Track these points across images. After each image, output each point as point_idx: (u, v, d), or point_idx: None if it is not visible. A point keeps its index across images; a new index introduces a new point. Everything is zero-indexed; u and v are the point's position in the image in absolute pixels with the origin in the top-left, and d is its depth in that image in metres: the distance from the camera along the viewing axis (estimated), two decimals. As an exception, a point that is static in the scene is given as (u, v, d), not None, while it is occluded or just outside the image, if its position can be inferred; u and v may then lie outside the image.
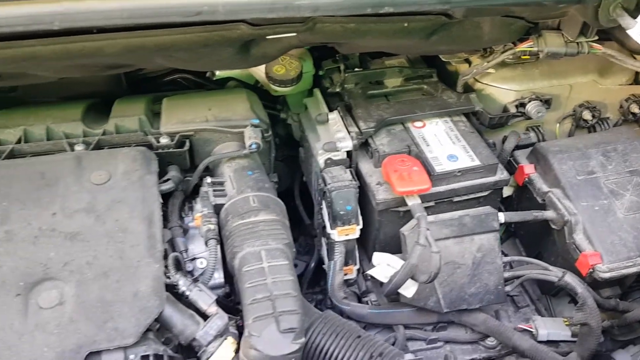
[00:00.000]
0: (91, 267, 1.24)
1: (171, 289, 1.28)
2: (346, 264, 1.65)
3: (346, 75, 1.75)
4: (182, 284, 1.28)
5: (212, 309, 1.27)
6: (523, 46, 1.55)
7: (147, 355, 1.15)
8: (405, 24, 1.24)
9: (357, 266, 1.70)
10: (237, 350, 1.24)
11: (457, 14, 1.24)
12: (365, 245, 1.72)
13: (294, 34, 1.21)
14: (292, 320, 1.21)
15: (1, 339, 1.13)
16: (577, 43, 1.59)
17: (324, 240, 1.70)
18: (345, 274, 1.68)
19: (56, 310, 1.19)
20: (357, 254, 1.69)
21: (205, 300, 1.27)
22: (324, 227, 1.64)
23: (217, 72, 2.05)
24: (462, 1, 1.12)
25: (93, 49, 1.11)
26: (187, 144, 1.56)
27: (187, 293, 1.27)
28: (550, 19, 1.52)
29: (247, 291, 1.25)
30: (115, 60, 1.31)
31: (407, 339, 1.58)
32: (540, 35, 1.54)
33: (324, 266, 1.73)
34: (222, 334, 1.25)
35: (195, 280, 1.33)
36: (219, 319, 1.25)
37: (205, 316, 1.27)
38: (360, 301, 1.68)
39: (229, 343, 1.24)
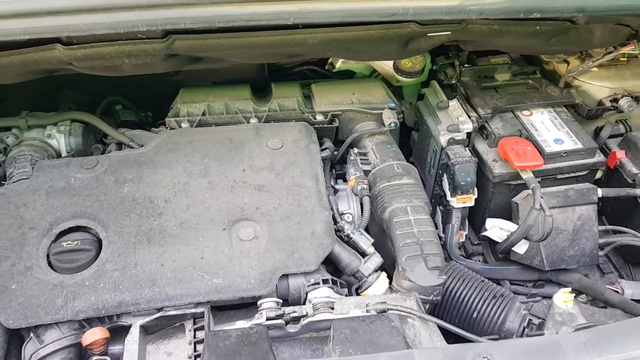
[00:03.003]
0: (277, 211, 1.56)
1: (337, 232, 1.60)
2: (458, 228, 1.95)
3: (462, 69, 2.05)
4: (347, 228, 1.59)
5: (370, 249, 1.57)
6: (626, 49, 1.82)
7: (327, 279, 1.47)
8: (537, 27, 1.51)
9: (466, 232, 1.99)
10: (389, 283, 1.55)
11: (581, 21, 1.51)
12: (472, 217, 2.00)
13: (449, 33, 1.50)
14: (437, 260, 1.49)
15: (216, 261, 1.45)
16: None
17: (439, 208, 2.00)
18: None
19: (253, 242, 1.49)
20: (467, 222, 1.98)
21: (365, 242, 1.57)
22: (442, 196, 1.93)
23: (337, 65, 2.37)
24: (593, 10, 1.39)
25: (300, 40, 1.41)
26: (337, 121, 1.88)
27: (352, 236, 1.58)
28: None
29: (399, 237, 1.54)
30: (296, 52, 1.63)
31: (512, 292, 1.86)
32: (639, 40, 1.80)
33: (437, 230, 2.01)
34: (378, 269, 1.56)
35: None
36: (377, 256, 1.55)
37: (363, 255, 1.58)
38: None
39: (384, 276, 1.55)
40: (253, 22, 1.28)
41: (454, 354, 0.86)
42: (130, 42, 1.38)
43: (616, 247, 1.90)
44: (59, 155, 1.80)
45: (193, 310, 1.04)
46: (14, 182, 1.62)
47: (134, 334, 0.97)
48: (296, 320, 1.11)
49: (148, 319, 1.00)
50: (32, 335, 1.38)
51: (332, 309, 1.12)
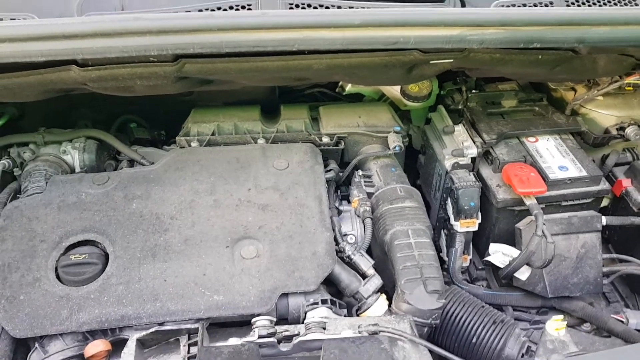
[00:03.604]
0: (279, 230, 1.58)
1: (338, 253, 1.62)
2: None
3: (469, 95, 2.07)
4: (348, 249, 1.61)
5: (370, 271, 1.58)
6: (631, 79, 1.83)
7: (326, 299, 1.49)
8: (540, 56, 1.54)
9: (470, 257, 2.00)
10: (389, 305, 1.56)
11: (583, 51, 1.54)
12: (476, 242, 2.01)
13: (451, 60, 1.53)
14: (436, 284, 1.50)
15: (218, 278, 1.47)
16: (676, 79, 1.86)
17: (443, 232, 2.01)
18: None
19: (255, 260, 1.52)
20: (472, 247, 1.99)
21: (365, 263, 1.59)
22: (446, 220, 1.95)
23: (347, 88, 2.41)
24: (593, 41, 1.41)
25: (305, 65, 1.46)
26: (342, 143, 1.92)
27: (352, 257, 1.60)
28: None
29: (399, 260, 1.56)
30: (303, 76, 1.68)
31: (514, 319, 1.86)
32: (644, 70, 1.82)
33: (441, 254, 2.03)
34: (378, 291, 1.58)
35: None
36: (377, 278, 1.57)
37: (364, 276, 1.60)
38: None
39: (384, 298, 1.56)
40: (259, 48, 1.32)
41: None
42: (142, 64, 1.43)
43: (622, 277, 1.89)
44: (72, 171, 1.86)
45: (188, 326, 1.07)
46: (28, 195, 1.68)
47: (130, 347, 1.00)
48: (288, 339, 1.13)
49: (144, 332, 1.03)
50: (37, 345, 1.42)
51: (324, 329, 1.14)
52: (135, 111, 2.21)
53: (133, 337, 1.03)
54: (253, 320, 1.20)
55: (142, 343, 1.02)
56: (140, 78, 1.48)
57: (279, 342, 1.12)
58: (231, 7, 1.49)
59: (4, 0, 1.54)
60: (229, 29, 1.31)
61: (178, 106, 2.10)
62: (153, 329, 1.03)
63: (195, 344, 1.04)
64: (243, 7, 1.49)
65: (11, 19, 1.44)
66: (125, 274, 1.47)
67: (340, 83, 2.29)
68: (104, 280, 1.47)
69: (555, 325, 1.29)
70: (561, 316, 1.33)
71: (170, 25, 1.31)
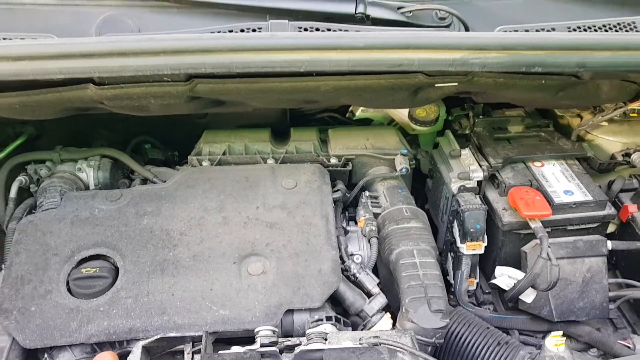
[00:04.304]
0: (286, 248, 1.61)
1: (343, 271, 1.64)
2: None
3: (476, 120, 2.10)
4: (353, 267, 1.62)
5: (375, 289, 1.60)
6: (634, 105, 1.85)
7: (331, 316, 1.49)
8: (543, 81, 1.57)
9: (477, 280, 1.99)
10: (393, 324, 1.57)
11: (585, 76, 1.56)
12: (483, 265, 2.01)
13: (456, 84, 1.57)
14: (440, 304, 1.51)
15: (225, 293, 1.49)
16: (680, 106, 1.87)
17: (450, 255, 2.01)
18: (466, 285, 1.97)
19: (261, 277, 1.54)
20: (478, 270, 1.99)
21: (370, 282, 1.60)
22: (452, 242, 1.95)
23: (357, 113, 2.45)
24: (594, 66, 1.44)
25: (313, 86, 1.50)
26: (350, 164, 1.95)
27: (358, 275, 1.61)
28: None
29: (404, 279, 1.57)
30: (311, 98, 1.72)
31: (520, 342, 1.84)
32: (647, 96, 1.84)
33: (448, 277, 2.03)
34: (382, 310, 1.58)
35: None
36: (381, 297, 1.57)
37: (369, 295, 1.61)
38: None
39: (388, 317, 1.57)
40: (268, 68, 1.36)
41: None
42: (156, 84, 1.48)
43: (630, 302, 1.87)
44: (87, 188, 1.91)
45: (192, 334, 1.09)
46: (42, 210, 1.72)
47: (136, 354, 1.02)
48: (290, 349, 1.14)
49: (149, 340, 1.05)
50: (46, 356, 1.45)
51: (325, 340, 1.15)
52: (151, 132, 2.27)
53: (139, 344, 1.04)
54: (256, 329, 1.21)
55: (147, 351, 1.03)
56: (154, 97, 1.52)
57: (281, 352, 1.13)
58: (242, 30, 1.55)
59: (26, 21, 1.61)
60: (239, 50, 1.36)
61: (191, 128, 2.16)
62: (158, 336, 1.05)
63: (198, 351, 1.05)
64: (254, 30, 1.54)
65: (32, 39, 1.50)
66: (134, 288, 1.50)
67: (350, 108, 2.33)
68: (114, 294, 1.49)
69: (555, 341, 1.29)
70: (560, 332, 1.32)
71: (183, 45, 1.36)
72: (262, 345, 1.11)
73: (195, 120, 2.24)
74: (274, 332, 1.18)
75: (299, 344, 1.14)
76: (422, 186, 2.29)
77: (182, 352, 1.13)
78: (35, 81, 1.42)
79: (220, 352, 1.09)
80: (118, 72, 1.39)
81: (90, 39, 1.51)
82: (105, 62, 1.37)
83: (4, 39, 1.51)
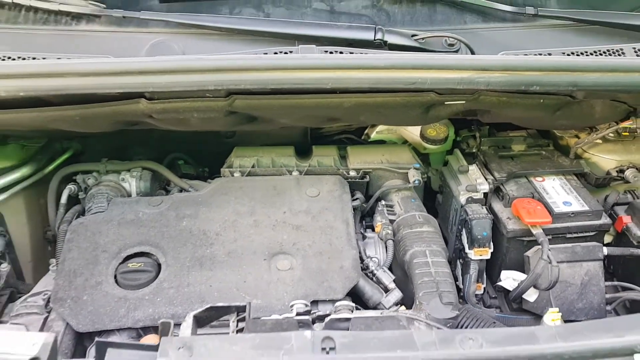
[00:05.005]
0: (311, 247, 1.77)
1: (362, 269, 1.79)
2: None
3: (482, 140, 2.28)
4: (372, 265, 1.78)
5: (391, 285, 1.75)
6: (625, 124, 2.02)
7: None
8: (541, 100, 1.75)
9: (484, 285, 2.14)
10: (408, 316, 1.71)
11: (579, 96, 1.74)
12: (489, 271, 2.15)
13: (463, 102, 1.75)
14: (450, 297, 1.65)
15: (256, 285, 1.65)
16: (667, 124, 2.04)
17: (459, 262, 2.16)
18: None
19: (289, 272, 1.70)
20: (485, 276, 2.14)
21: (387, 278, 1.76)
22: (461, 249, 2.10)
23: (372, 135, 2.64)
24: (585, 86, 1.62)
25: (337, 103, 1.68)
26: (367, 177, 2.13)
27: (375, 272, 1.77)
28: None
29: (417, 275, 1.72)
30: (334, 115, 1.91)
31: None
32: (637, 116, 2.01)
33: (457, 283, 2.17)
34: (398, 303, 1.73)
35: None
36: (397, 291, 1.72)
37: (386, 290, 1.76)
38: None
39: (403, 309, 1.71)
40: (298, 85, 1.55)
41: (446, 335, 1.02)
42: (199, 99, 1.67)
43: (625, 305, 2.01)
44: (129, 196, 2.09)
45: (237, 304, 1.25)
46: (91, 214, 1.90)
47: (188, 322, 1.17)
48: (321, 318, 1.30)
49: (200, 310, 1.21)
50: (96, 339, 1.60)
51: (352, 311, 1.30)
52: (183, 150, 2.46)
53: (190, 314, 1.20)
54: (291, 303, 1.37)
55: (197, 320, 1.19)
56: (197, 111, 1.71)
57: (313, 322, 1.28)
58: (275, 53, 1.75)
59: (87, 45, 1.82)
60: (274, 69, 1.55)
61: (221, 147, 2.34)
62: (207, 306, 1.21)
63: (243, 319, 1.21)
64: (285, 53, 1.75)
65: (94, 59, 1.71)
66: (176, 280, 1.66)
67: (366, 131, 2.52)
68: (157, 285, 1.65)
69: (552, 316, 1.43)
70: (557, 308, 1.46)
71: (225, 64, 1.56)
72: (297, 314, 1.26)
73: (223, 139, 2.44)
74: (306, 305, 1.33)
75: (329, 314, 1.29)
76: (432, 203, 2.46)
77: (227, 324, 1.27)
78: (94, 95, 1.62)
79: (262, 318, 1.25)
80: (168, 87, 1.57)
81: (145, 58, 1.72)
82: (158, 78, 1.56)
83: (68, 58, 1.72)
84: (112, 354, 1.04)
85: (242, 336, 1.09)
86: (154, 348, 1.02)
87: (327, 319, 1.28)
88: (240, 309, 1.21)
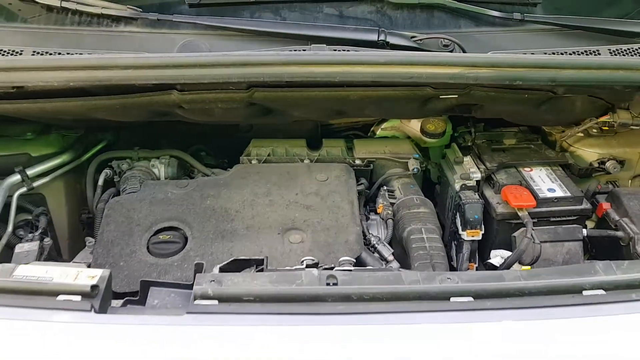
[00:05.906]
0: (319, 224, 1.97)
1: (365, 244, 1.99)
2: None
3: (477, 134, 2.48)
4: (373, 240, 1.98)
5: (391, 257, 1.94)
6: (603, 118, 2.21)
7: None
8: (526, 95, 1.95)
9: (476, 265, 2.32)
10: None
11: (559, 91, 1.93)
12: (481, 252, 2.33)
13: (456, 96, 1.95)
14: (442, 267, 1.84)
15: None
16: (642, 117, 2.23)
17: (453, 243, 2.35)
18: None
19: (300, 244, 1.89)
20: (477, 256, 2.32)
21: (387, 251, 1.94)
22: (455, 232, 2.30)
23: (377, 132, 2.84)
24: (563, 81, 1.81)
25: (344, 95, 1.89)
26: (371, 166, 2.34)
27: (376, 246, 1.96)
28: (622, 102, 2.18)
29: (413, 249, 1.91)
30: (341, 108, 2.12)
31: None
32: (615, 112, 2.20)
33: (452, 263, 2.36)
34: (396, 273, 1.93)
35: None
36: (395, 263, 1.92)
37: (386, 262, 1.96)
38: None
39: (401, 278, 1.91)
40: (310, 78, 1.76)
41: (429, 275, 1.22)
42: (223, 91, 1.89)
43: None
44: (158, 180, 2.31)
45: (256, 257, 1.45)
46: (126, 194, 2.12)
47: (215, 271, 1.37)
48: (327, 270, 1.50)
49: (224, 262, 1.41)
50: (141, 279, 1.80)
51: (352, 265, 1.50)
52: (205, 143, 2.68)
53: (217, 267, 1.40)
54: (302, 259, 1.57)
55: (222, 271, 1.39)
56: (221, 102, 1.93)
57: (320, 273, 1.48)
58: (290, 51, 1.97)
59: (124, 44, 2.05)
60: (288, 64, 1.76)
61: (239, 141, 2.56)
62: (231, 259, 1.41)
63: (261, 271, 1.40)
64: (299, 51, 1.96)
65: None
66: (200, 249, 1.87)
67: (372, 128, 2.73)
68: (185, 253, 1.86)
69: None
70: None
71: (247, 60, 1.77)
72: (307, 266, 1.46)
73: (242, 133, 2.66)
74: (312, 260, 1.53)
75: (332, 267, 1.49)
76: (431, 194, 2.65)
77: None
78: (133, 86, 1.84)
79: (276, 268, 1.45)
80: (197, 79, 1.79)
81: (178, 54, 1.94)
82: (188, 71, 1.77)
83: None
84: (155, 290, 1.24)
85: (261, 274, 1.29)
86: (189, 286, 1.23)
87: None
88: (259, 262, 1.41)
